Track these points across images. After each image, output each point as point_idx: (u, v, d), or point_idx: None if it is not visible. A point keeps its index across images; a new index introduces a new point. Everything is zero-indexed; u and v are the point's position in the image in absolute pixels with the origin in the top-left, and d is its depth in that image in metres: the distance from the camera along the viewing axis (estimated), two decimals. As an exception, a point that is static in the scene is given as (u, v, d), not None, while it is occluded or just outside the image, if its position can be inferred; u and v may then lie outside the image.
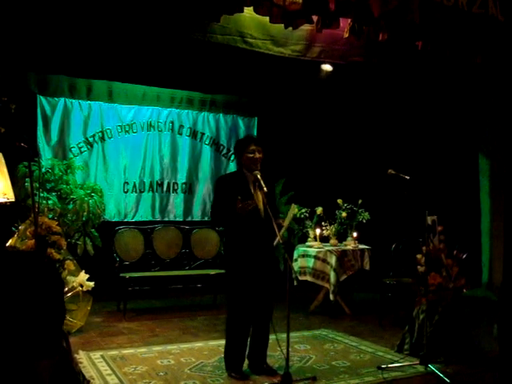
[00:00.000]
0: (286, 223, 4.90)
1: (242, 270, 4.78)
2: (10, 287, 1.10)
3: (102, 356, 5.36)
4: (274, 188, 6.32)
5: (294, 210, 5.06)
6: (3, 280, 1.10)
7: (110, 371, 4.88)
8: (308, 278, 7.32)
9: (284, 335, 4.60)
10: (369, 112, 9.18)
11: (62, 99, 7.95)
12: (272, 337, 4.94)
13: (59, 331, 1.17)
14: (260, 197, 4.84)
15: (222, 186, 4.92)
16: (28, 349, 1.07)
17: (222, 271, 6.57)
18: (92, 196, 7.36)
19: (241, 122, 9.40)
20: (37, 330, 1.09)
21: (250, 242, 4.77)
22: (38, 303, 1.11)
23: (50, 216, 6.55)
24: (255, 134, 9.35)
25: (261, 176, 4.78)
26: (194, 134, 9.00)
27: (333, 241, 7.59)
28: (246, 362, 4.97)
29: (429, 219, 5.32)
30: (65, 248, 5.82)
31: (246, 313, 4.82)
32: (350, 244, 7.61)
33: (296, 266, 7.36)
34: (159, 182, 8.71)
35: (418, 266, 5.56)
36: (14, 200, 4.89)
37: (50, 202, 6.91)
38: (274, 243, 4.91)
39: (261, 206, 4.81)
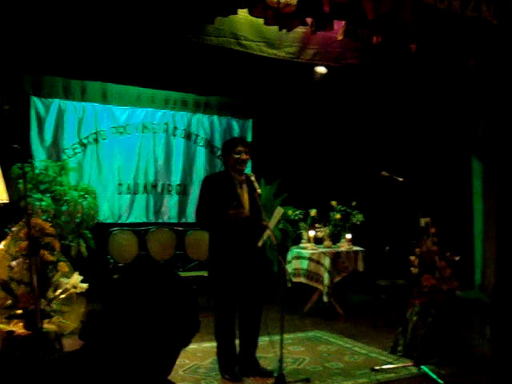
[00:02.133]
0: (271, 226, 4.88)
1: (226, 272, 4.78)
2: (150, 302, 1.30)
3: (96, 358, 5.34)
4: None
5: (279, 212, 5.03)
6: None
7: (103, 373, 4.87)
8: (302, 279, 7.33)
9: (278, 337, 4.61)
10: (363, 114, 9.21)
11: (56, 100, 7.92)
12: (266, 338, 4.95)
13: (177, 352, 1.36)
14: (246, 198, 4.86)
15: (209, 186, 4.92)
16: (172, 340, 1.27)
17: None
18: (86, 197, 7.34)
19: (235, 124, 9.40)
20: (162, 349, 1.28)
21: (236, 243, 4.77)
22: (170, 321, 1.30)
23: (44, 217, 6.53)
24: (250, 135, 9.35)
25: (255, 178, 4.81)
26: (188, 135, 9.00)
27: (327, 242, 7.60)
28: (240, 363, 4.98)
29: (422, 221, 5.35)
30: (58, 250, 5.80)
31: (232, 315, 4.83)
32: (343, 246, 7.63)
33: (290, 267, 7.37)
34: (153, 184, 8.69)
35: (412, 268, 5.58)
36: (7, 201, 4.88)
37: (43, 203, 6.88)
38: (259, 244, 4.90)
39: (246, 206, 4.83)
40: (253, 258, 4.87)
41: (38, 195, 6.89)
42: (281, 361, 4.55)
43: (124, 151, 8.43)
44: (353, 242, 7.71)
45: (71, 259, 6.83)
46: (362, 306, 7.88)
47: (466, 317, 5.45)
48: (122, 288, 1.33)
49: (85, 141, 8.15)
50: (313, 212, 7.68)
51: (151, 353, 1.27)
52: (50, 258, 5.54)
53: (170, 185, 8.83)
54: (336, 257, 7.29)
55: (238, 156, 4.86)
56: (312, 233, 7.54)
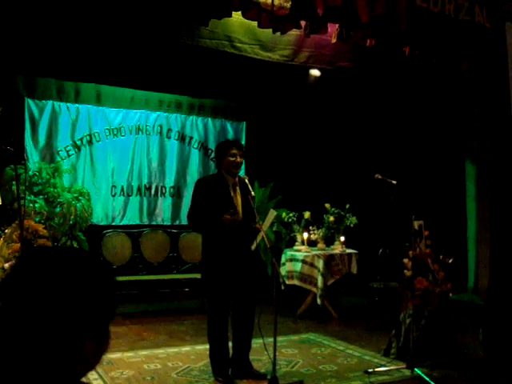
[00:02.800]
0: (264, 228, 4.88)
1: (219, 274, 4.78)
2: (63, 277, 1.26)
3: (89, 360, 5.32)
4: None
5: (273, 214, 5.03)
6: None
7: (96, 376, 4.86)
8: (295, 282, 7.33)
9: (271, 339, 4.60)
10: (356, 117, 9.23)
11: (50, 102, 7.90)
12: (259, 341, 4.94)
13: (110, 316, 1.29)
14: (240, 200, 4.86)
15: (202, 189, 4.91)
16: (76, 329, 1.22)
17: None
18: (79, 199, 7.32)
19: (229, 127, 9.41)
20: (86, 313, 1.22)
21: (229, 245, 4.76)
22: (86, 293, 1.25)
23: (37, 219, 6.52)
24: (243, 138, 9.36)
25: (248, 181, 4.81)
26: (182, 137, 8.99)
27: (320, 245, 7.61)
28: (234, 366, 4.97)
29: (415, 224, 5.36)
30: (51, 252, 5.78)
31: (225, 317, 4.82)
32: (337, 248, 7.63)
33: (283, 270, 7.36)
34: (147, 186, 8.68)
35: (405, 271, 5.58)
36: (0, 203, 4.87)
37: (36, 205, 6.86)
38: (252, 248, 4.90)
39: (240, 209, 4.83)
40: (246, 260, 4.86)
41: (31, 197, 6.87)
42: (274, 363, 4.54)
43: (118, 153, 8.42)
44: (346, 244, 7.71)
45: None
46: (356, 308, 7.88)
47: (460, 319, 5.47)
48: (11, 282, 1.23)
49: (78, 142, 8.14)
50: (306, 214, 7.68)
51: (65, 341, 1.19)
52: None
53: (163, 187, 8.82)
54: (330, 259, 7.30)
55: (233, 159, 4.85)
56: (306, 235, 7.54)
